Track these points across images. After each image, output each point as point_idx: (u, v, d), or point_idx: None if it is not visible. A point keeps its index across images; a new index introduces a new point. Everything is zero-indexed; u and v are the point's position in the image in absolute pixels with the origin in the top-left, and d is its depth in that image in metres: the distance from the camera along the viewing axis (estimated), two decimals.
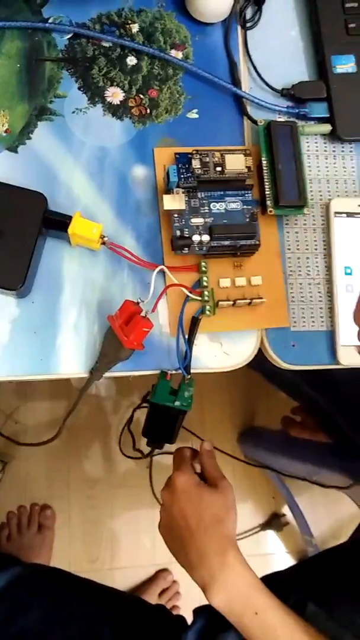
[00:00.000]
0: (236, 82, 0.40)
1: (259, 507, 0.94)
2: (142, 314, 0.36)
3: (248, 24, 0.41)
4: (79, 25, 0.39)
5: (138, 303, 0.37)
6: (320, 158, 0.42)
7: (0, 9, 0.37)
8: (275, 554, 0.93)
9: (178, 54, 0.40)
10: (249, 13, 0.41)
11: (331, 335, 0.40)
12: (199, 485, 0.42)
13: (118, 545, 0.91)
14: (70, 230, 0.36)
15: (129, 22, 0.39)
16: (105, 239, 0.37)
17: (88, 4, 0.38)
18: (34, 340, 0.38)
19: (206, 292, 0.39)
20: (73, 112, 0.39)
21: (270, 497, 0.93)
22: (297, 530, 0.92)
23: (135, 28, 0.39)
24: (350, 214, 0.41)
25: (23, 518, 0.85)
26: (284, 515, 0.93)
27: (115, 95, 0.39)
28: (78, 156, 0.39)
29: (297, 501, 0.90)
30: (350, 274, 0.41)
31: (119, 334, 0.36)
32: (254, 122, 0.40)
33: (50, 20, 0.39)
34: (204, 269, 0.39)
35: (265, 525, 0.92)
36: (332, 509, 0.94)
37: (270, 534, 0.93)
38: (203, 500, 0.41)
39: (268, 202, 0.39)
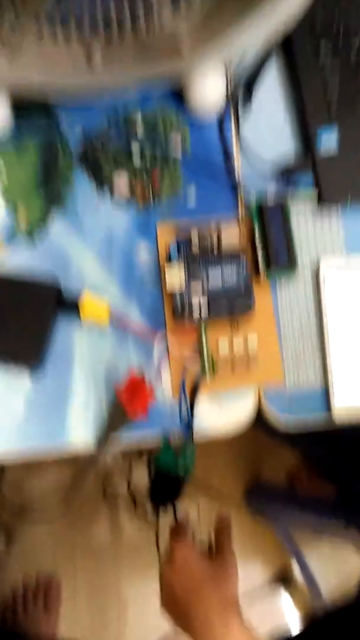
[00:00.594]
0: (231, 164, 0.45)
1: (267, 564, 0.93)
2: (147, 384, 0.39)
3: (240, 110, 0.46)
4: (87, 130, 0.45)
5: (142, 372, 0.40)
6: (308, 222, 0.46)
7: (22, 123, 0.43)
8: (283, 612, 0.92)
9: (177, 142, 0.45)
10: (241, 95, 0.47)
11: (327, 395, 0.43)
12: (200, 557, 0.42)
13: (126, 611, 0.90)
14: (81, 312, 0.42)
15: (131, 117, 0.44)
16: (113, 315, 0.41)
17: (96, 113, 0.44)
18: (44, 415, 0.42)
19: (205, 354, 0.42)
20: (83, 202, 0.44)
21: (277, 554, 0.93)
22: (305, 587, 0.91)
23: (138, 123, 0.44)
24: (338, 270, 0.45)
25: (28, 593, 0.84)
26: (291, 572, 0.92)
27: (121, 183, 0.44)
28: (88, 240, 0.44)
29: (306, 557, 0.90)
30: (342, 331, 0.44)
31: (124, 405, 0.39)
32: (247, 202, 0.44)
33: (63, 124, 0.45)
34: (203, 332, 0.43)
35: (273, 583, 0.91)
36: (341, 565, 0.93)
37: (279, 591, 0.92)
38: (205, 572, 0.41)
39: (261, 268, 0.43)
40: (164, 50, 0.39)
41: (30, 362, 0.42)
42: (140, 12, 0.39)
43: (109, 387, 0.42)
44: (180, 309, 0.41)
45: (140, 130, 0.44)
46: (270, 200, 0.43)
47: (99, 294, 0.43)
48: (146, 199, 0.44)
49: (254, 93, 0.46)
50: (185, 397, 0.42)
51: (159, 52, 0.39)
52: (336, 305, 0.44)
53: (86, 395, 0.42)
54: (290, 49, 0.48)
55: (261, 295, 0.44)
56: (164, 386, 0.43)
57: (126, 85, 0.42)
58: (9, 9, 0.37)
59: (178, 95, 0.45)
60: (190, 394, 0.43)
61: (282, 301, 0.45)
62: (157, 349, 0.42)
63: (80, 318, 0.42)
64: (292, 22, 0.38)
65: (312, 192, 0.45)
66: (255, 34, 0.39)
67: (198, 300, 0.42)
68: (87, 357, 0.43)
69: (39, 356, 0.42)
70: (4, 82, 0.40)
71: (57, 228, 0.44)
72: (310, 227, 0.46)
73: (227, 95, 0.44)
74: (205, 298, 0.42)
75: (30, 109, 0.44)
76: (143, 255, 0.44)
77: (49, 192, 0.44)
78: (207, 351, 0.42)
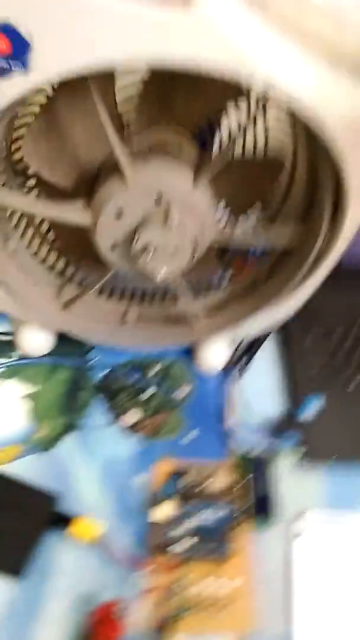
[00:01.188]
0: (227, 415, 0.52)
1: None
2: (118, 616, 0.41)
3: (240, 370, 0.55)
4: (113, 365, 0.53)
5: (117, 602, 0.42)
6: (292, 477, 0.50)
7: (59, 348, 0.52)
8: None
9: (184, 392, 0.53)
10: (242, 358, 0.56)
11: None
12: None
13: None
14: (71, 529, 0.44)
15: (150, 365, 0.54)
16: (100, 538, 0.44)
17: (123, 353, 0.53)
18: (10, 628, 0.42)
19: (180, 592, 0.44)
20: (96, 428, 0.51)
21: None
22: None
23: (154, 370, 0.53)
24: (316, 526, 0.48)
25: None
26: None
27: (131, 418, 0.51)
28: (92, 461, 0.49)
29: None
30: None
31: (93, 635, 0.40)
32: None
33: (92, 361, 0.53)
34: (183, 571, 0.45)
35: None
36: None
37: None
38: None
39: (242, 516, 0.47)
40: (181, 322, 0.50)
41: (10, 570, 0.43)
42: (169, 293, 0.50)
43: (80, 611, 0.43)
44: (163, 543, 0.45)
45: (156, 376, 0.53)
46: (258, 453, 0.49)
47: (92, 513, 0.46)
48: (150, 434, 0.51)
49: (253, 357, 0.56)
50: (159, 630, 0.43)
51: (177, 323, 0.50)
52: (308, 561, 0.47)
53: (57, 614, 0.42)
54: (286, 325, 0.58)
55: (241, 542, 0.46)
56: (137, 617, 0.43)
57: (146, 344, 0.51)
58: (84, 269, 0.48)
59: (191, 351, 0.55)
60: (162, 629, 0.43)
61: (260, 550, 0.47)
62: (138, 578, 0.44)
63: (68, 534, 0.45)
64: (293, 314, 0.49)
65: (297, 450, 0.51)
66: (259, 325, 0.49)
67: (181, 538, 0.45)
68: (65, 575, 0.44)
69: (21, 567, 0.43)
70: (51, 326, 0.50)
71: (67, 444, 0.50)
72: (293, 482, 0.50)
73: (230, 359, 0.53)
74: (188, 537, 0.45)
75: (68, 337, 0.53)
76: (139, 484, 0.49)
77: (71, 412, 0.51)
78: (182, 589, 0.44)
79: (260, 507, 0.47)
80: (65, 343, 0.52)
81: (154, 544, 0.46)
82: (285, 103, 0.31)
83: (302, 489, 0.50)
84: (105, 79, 0.36)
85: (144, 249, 0.38)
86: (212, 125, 0.41)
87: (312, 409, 0.53)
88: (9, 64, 0.29)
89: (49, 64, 0.29)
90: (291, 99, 0.30)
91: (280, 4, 0.28)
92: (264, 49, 0.29)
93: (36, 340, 0.51)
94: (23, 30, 0.27)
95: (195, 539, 0.45)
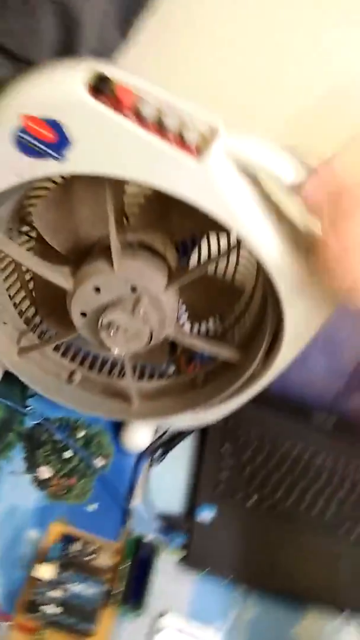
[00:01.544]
0: (130, 497, 0.55)
1: None
2: None
3: (154, 460, 0.59)
4: (46, 417, 0.56)
5: None
6: (169, 569, 0.52)
7: (2, 386, 0.55)
8: None
9: (100, 462, 0.56)
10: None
11: None
12: None
13: None
14: None
15: (79, 428, 0.57)
16: None
17: (60, 408, 0.56)
18: None
19: None
20: (11, 472, 0.53)
21: None
22: None
23: (81, 433, 0.56)
24: (174, 630, 0.49)
25: None
26: None
27: (45, 472, 0.54)
28: None
29: None
30: None
31: None
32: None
33: (28, 408, 0.56)
34: (40, 637, 0.45)
35: None
36: None
37: None
38: None
39: (114, 599, 0.48)
40: (120, 398, 0.54)
41: None
42: (116, 367, 0.55)
43: None
44: (32, 603, 0.45)
45: (81, 439, 0.56)
46: (146, 542, 0.52)
47: None
48: (58, 493, 0.53)
49: (170, 450, 0.60)
50: None
51: (116, 398, 0.54)
52: None
53: None
54: (207, 429, 0.63)
55: (105, 624, 0.47)
56: None
57: (84, 408, 0.55)
58: (50, 324, 0.52)
59: (118, 425, 0.58)
60: None
61: (121, 636, 0.48)
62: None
63: None
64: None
65: (180, 551, 0.54)
66: (186, 423, 0.54)
67: (49, 603, 0.46)
68: None
69: None
70: (1, 365, 0.54)
71: None
72: (169, 580, 0.52)
73: (150, 446, 0.57)
74: (55, 604, 0.46)
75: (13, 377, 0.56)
76: (31, 538, 0.50)
77: None
78: None
79: (133, 595, 0.49)
80: (10, 382, 0.55)
81: (23, 600, 0.46)
82: (252, 253, 0.39)
83: (174, 588, 0.52)
84: (119, 182, 0.43)
85: (109, 325, 0.43)
86: (195, 243, 0.49)
87: (205, 516, 0.56)
88: (49, 151, 0.35)
89: (80, 162, 0.35)
90: (257, 254, 0.38)
91: (264, 184, 0.36)
92: (244, 212, 0.36)
93: None
94: (68, 132, 0.34)
95: (61, 609, 0.46)
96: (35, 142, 0.35)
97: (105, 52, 0.45)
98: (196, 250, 0.50)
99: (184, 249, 0.50)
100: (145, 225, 0.46)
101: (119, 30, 0.46)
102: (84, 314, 0.45)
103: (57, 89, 0.33)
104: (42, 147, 0.35)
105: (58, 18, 0.41)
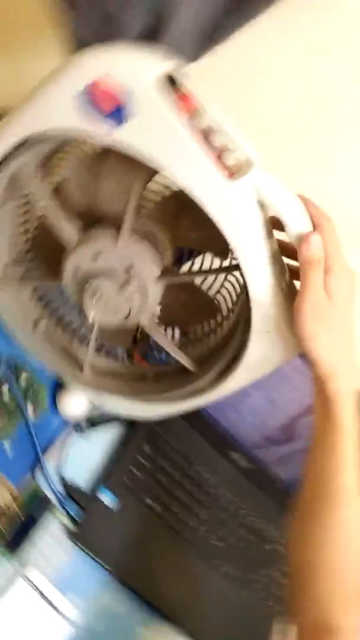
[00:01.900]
0: (45, 454, 0.57)
1: None
2: None
3: (81, 431, 0.61)
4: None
5: None
6: (49, 537, 0.54)
7: None
8: None
9: (31, 410, 0.58)
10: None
11: None
12: None
13: None
14: None
15: (24, 371, 0.59)
16: None
17: (15, 347, 0.57)
18: None
19: None
20: None
21: None
22: None
23: (23, 376, 0.58)
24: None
25: None
26: None
27: None
28: None
29: None
30: None
31: None
32: None
33: None
34: None
35: None
36: None
37: None
38: None
39: None
40: (74, 361, 0.56)
41: None
42: (80, 333, 0.58)
43: None
44: None
45: (21, 381, 0.58)
46: (44, 498, 0.54)
47: None
48: None
49: (97, 427, 0.62)
50: None
51: (71, 359, 0.56)
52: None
53: None
54: (139, 424, 0.65)
55: None
56: None
57: (42, 358, 0.57)
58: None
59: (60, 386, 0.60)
60: None
61: None
62: None
63: None
64: None
65: (72, 522, 0.56)
66: (123, 409, 0.57)
67: None
68: None
69: None
70: None
71: None
72: (53, 541, 0.54)
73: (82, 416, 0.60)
74: None
75: None
76: None
77: None
78: None
79: (13, 539, 0.51)
80: None
81: None
82: (243, 279, 0.43)
83: (54, 552, 0.54)
84: (150, 172, 0.46)
85: (95, 290, 0.46)
86: (191, 254, 0.52)
87: (105, 501, 0.59)
88: (104, 119, 0.38)
89: (124, 140, 0.38)
90: (247, 281, 0.42)
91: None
92: (250, 240, 0.40)
93: None
94: (127, 110, 0.37)
95: None
96: (94, 106, 0.37)
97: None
98: (191, 261, 0.54)
99: (180, 256, 0.54)
100: (155, 221, 0.49)
101: (193, 50, 0.49)
102: (75, 272, 0.47)
103: (135, 67, 0.36)
104: (98, 113, 0.38)
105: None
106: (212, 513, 0.66)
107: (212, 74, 0.47)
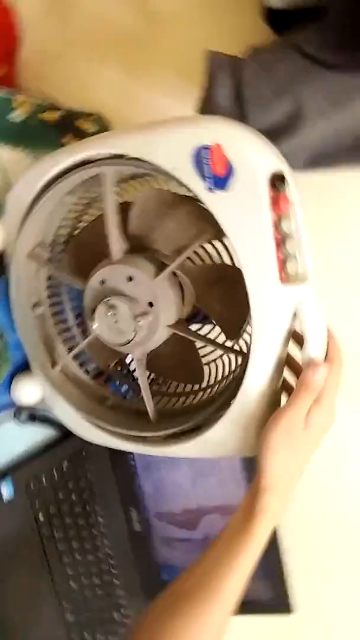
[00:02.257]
0: None
1: None
2: None
3: (21, 419, 0.60)
4: None
5: None
6: None
7: None
8: None
9: None
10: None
11: None
12: None
13: None
14: None
15: None
16: None
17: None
18: None
19: None
20: None
21: None
22: None
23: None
24: None
25: None
26: None
27: None
28: None
29: None
30: None
31: None
32: None
33: None
34: None
35: None
36: None
37: None
38: None
39: None
40: (50, 352, 0.57)
41: None
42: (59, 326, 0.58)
43: None
44: None
45: None
46: None
47: None
48: None
49: (32, 421, 0.62)
50: None
51: (47, 348, 0.57)
52: None
53: None
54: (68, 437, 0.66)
55: None
56: None
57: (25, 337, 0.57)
58: None
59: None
60: None
61: None
62: None
63: None
64: None
65: None
66: (69, 420, 0.57)
67: None
68: None
69: None
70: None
71: None
72: None
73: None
74: None
75: None
76: None
77: None
78: None
79: None
80: None
81: None
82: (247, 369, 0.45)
83: None
84: (215, 237, 0.50)
85: (111, 307, 0.48)
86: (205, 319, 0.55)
87: (3, 489, 0.58)
88: (206, 180, 0.41)
89: (218, 205, 0.42)
90: (249, 371, 0.45)
91: None
92: (271, 336, 0.43)
93: None
94: (230, 184, 0.41)
95: None
96: (207, 163, 0.41)
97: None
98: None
99: (194, 314, 0.56)
100: (193, 277, 0.52)
101: (303, 164, 0.54)
102: (102, 282, 0.49)
103: (259, 154, 0.40)
104: (207, 171, 0.41)
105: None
106: (85, 556, 0.65)
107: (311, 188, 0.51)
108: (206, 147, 0.41)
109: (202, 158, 0.41)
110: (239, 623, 0.75)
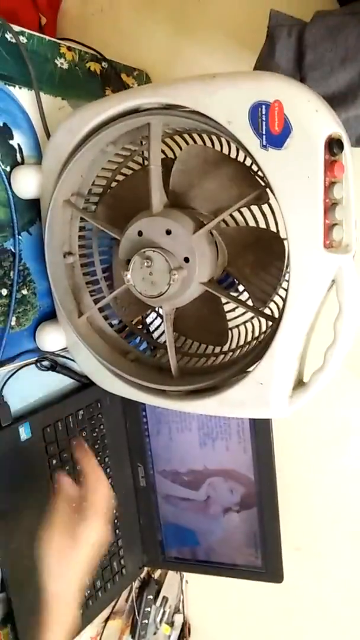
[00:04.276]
0: None
1: None
2: None
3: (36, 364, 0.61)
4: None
5: None
6: None
7: None
8: None
9: (14, 321, 0.58)
10: None
11: None
12: None
13: None
14: None
15: (29, 287, 0.58)
16: None
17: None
18: None
19: None
20: None
21: None
22: None
23: (24, 292, 0.58)
24: None
25: None
26: None
27: None
28: None
29: None
30: None
31: None
32: None
33: None
34: None
35: None
36: None
37: None
38: None
39: None
40: (78, 298, 0.57)
41: None
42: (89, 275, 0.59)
43: None
44: None
45: (21, 292, 0.58)
46: None
47: None
48: None
49: (53, 370, 0.63)
50: None
51: (75, 294, 0.57)
52: None
53: None
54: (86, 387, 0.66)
55: None
56: None
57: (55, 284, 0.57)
58: None
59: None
60: None
61: None
62: None
63: None
64: None
65: None
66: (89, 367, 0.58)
67: None
68: None
69: None
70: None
71: None
72: None
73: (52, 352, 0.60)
74: None
75: None
76: None
77: None
78: None
79: None
80: None
81: None
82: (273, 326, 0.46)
83: None
84: (258, 199, 0.50)
85: (147, 258, 0.48)
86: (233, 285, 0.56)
87: (21, 434, 0.58)
88: (262, 136, 0.41)
89: (269, 164, 0.41)
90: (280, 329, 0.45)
91: None
92: (307, 300, 0.43)
93: None
94: (287, 142, 0.40)
95: None
96: (264, 120, 0.40)
97: None
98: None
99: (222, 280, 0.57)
100: (229, 239, 0.52)
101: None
102: (140, 233, 0.49)
103: (319, 115, 0.40)
104: (263, 130, 0.41)
105: None
106: None
107: None
108: (266, 103, 0.40)
109: (260, 114, 0.41)
110: (231, 586, 0.78)
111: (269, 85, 0.41)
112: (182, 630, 0.87)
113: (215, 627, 0.89)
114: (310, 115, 0.40)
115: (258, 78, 0.42)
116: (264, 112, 0.41)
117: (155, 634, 0.83)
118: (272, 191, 0.42)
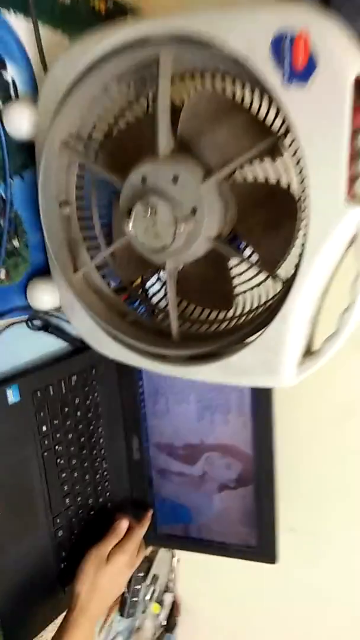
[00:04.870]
0: None
1: None
2: None
3: (27, 322, 0.57)
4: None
5: None
6: None
7: None
8: None
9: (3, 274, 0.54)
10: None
11: None
12: None
13: None
14: None
15: (19, 236, 0.54)
16: None
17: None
18: None
19: None
20: None
21: None
22: None
23: (16, 244, 0.54)
24: None
25: None
26: None
27: None
28: None
29: None
30: None
31: None
32: None
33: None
34: None
35: None
36: None
37: None
38: None
39: None
40: (76, 252, 0.53)
41: None
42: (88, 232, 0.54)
43: None
44: None
45: (13, 244, 0.54)
46: None
47: None
48: None
49: (45, 330, 0.59)
50: None
51: (74, 248, 0.53)
52: None
53: None
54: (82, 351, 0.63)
55: None
56: None
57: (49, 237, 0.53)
58: None
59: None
60: None
61: None
62: None
63: None
64: None
65: None
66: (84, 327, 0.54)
67: None
68: None
69: None
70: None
71: None
72: None
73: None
74: None
75: None
76: None
77: None
78: None
79: None
80: None
81: None
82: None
83: None
84: (271, 149, 0.46)
85: (150, 206, 0.44)
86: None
87: (9, 397, 0.55)
88: (286, 71, 0.37)
89: (292, 102, 0.37)
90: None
91: None
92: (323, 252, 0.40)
93: None
94: (312, 80, 0.36)
95: None
96: (289, 53, 0.36)
97: None
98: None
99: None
100: (239, 194, 0.48)
101: None
102: (144, 180, 0.45)
103: (347, 51, 0.35)
104: (286, 64, 0.37)
105: None
106: (82, 475, 0.64)
107: None
108: (291, 34, 0.36)
109: (284, 46, 0.36)
110: (223, 566, 0.76)
111: (297, 14, 0.36)
112: (171, 609, 0.85)
113: (205, 607, 0.87)
114: (340, 51, 0.36)
115: (284, 6, 0.38)
116: (287, 44, 0.36)
117: (144, 612, 0.81)
118: (292, 135, 0.38)
